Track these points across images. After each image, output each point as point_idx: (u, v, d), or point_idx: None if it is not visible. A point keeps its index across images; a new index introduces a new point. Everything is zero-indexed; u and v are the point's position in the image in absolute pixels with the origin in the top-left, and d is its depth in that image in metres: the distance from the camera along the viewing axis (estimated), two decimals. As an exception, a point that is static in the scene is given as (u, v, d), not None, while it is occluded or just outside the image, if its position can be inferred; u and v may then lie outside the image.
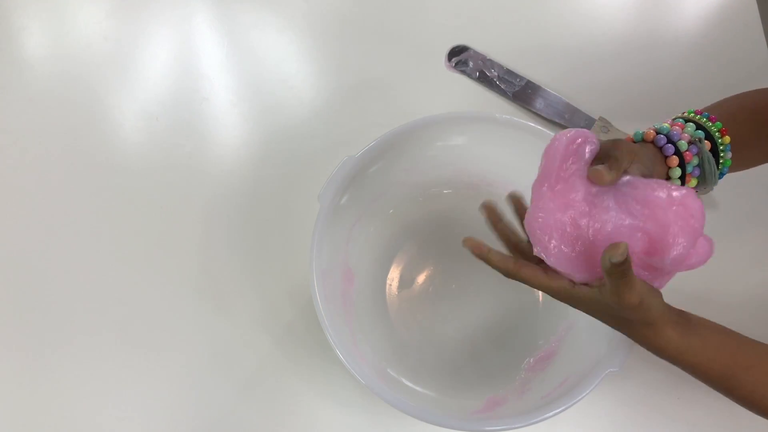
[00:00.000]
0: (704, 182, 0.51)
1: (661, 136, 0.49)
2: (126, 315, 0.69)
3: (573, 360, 0.61)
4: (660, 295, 0.46)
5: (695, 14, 0.86)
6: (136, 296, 0.70)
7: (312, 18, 0.85)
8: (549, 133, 0.59)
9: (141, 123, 0.78)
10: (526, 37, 0.84)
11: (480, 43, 0.82)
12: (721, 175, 0.53)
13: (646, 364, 0.65)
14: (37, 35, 0.83)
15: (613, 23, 0.85)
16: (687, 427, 0.65)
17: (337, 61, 0.82)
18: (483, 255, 0.47)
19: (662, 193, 0.44)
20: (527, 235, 0.47)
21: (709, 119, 0.52)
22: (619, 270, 0.41)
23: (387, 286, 0.69)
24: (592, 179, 0.45)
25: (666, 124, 0.51)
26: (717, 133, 0.51)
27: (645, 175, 0.47)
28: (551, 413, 0.53)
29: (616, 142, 0.46)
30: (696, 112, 0.53)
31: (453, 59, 0.82)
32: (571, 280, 0.46)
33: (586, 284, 0.46)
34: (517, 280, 0.47)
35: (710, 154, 0.50)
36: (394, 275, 0.70)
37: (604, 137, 0.75)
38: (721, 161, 0.52)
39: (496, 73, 0.81)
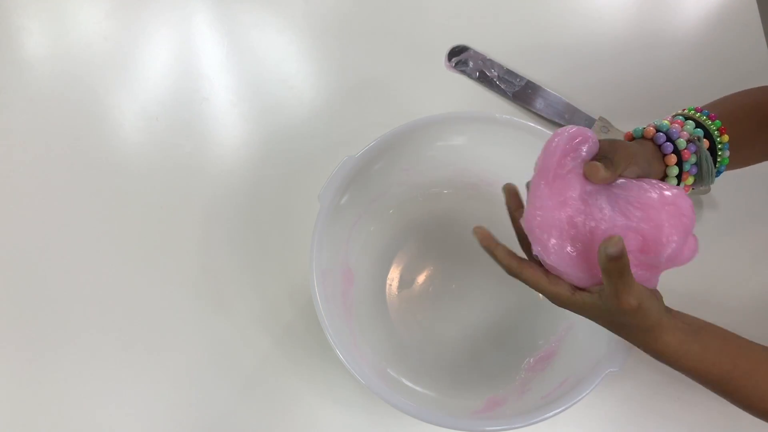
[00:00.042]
0: (701, 180, 0.51)
1: (661, 134, 0.49)
2: (126, 315, 0.69)
3: (573, 360, 0.61)
4: (659, 298, 0.46)
5: (695, 14, 0.86)
6: (136, 296, 0.70)
7: (312, 18, 0.85)
8: (549, 133, 0.59)
9: (141, 123, 0.78)
10: (526, 37, 0.84)
11: (480, 43, 0.82)
12: (718, 173, 0.53)
13: (645, 365, 0.65)
14: (36, 35, 0.83)
15: (613, 23, 0.85)
16: (687, 427, 0.65)
17: (337, 61, 0.82)
18: (490, 247, 0.47)
19: (654, 194, 0.45)
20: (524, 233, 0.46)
21: (708, 117, 0.52)
22: (616, 266, 0.41)
23: (387, 286, 0.69)
24: (588, 174, 0.44)
25: (666, 121, 0.51)
26: (716, 132, 0.51)
27: (641, 175, 0.47)
28: (551, 413, 0.53)
29: (614, 144, 0.46)
30: (696, 110, 0.53)
31: (453, 59, 0.82)
32: (571, 286, 0.46)
33: (585, 290, 0.46)
34: (518, 279, 0.47)
35: (708, 153, 0.50)
36: (394, 275, 0.70)
37: (604, 137, 0.74)
38: (718, 160, 0.52)
39: (496, 73, 0.81)
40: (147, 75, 0.80)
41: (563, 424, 0.58)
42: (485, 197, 0.69)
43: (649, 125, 0.51)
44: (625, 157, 0.46)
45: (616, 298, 0.42)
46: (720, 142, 0.51)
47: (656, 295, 0.46)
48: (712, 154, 0.51)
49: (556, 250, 0.45)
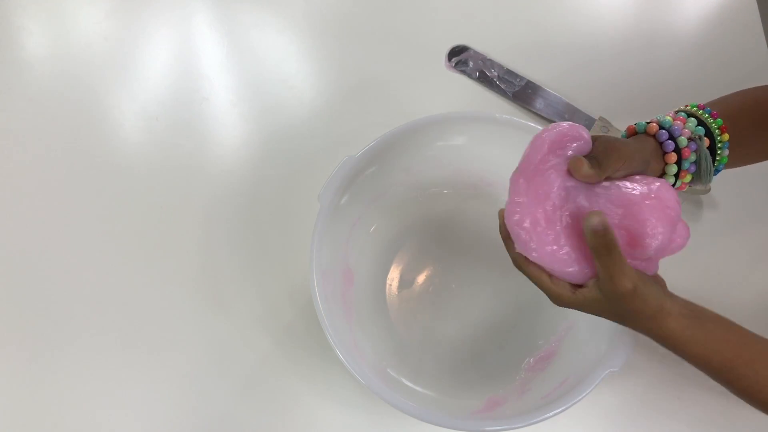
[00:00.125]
0: (699, 178, 0.51)
1: (663, 131, 0.49)
2: (126, 315, 0.69)
3: (573, 360, 0.61)
4: (660, 284, 0.47)
5: (695, 14, 0.86)
6: (136, 296, 0.70)
7: (312, 18, 0.85)
8: (549, 133, 0.59)
9: (141, 123, 0.78)
10: (526, 36, 0.84)
11: (480, 43, 0.82)
12: (716, 172, 0.53)
13: (646, 364, 0.66)
14: (36, 35, 0.83)
15: (613, 23, 0.85)
16: (687, 427, 0.65)
17: (337, 61, 0.82)
18: (504, 237, 0.48)
19: (636, 190, 0.45)
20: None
21: (710, 115, 0.52)
22: (603, 242, 0.41)
23: (387, 286, 0.69)
24: (572, 169, 0.44)
25: (668, 117, 0.51)
26: (717, 130, 0.51)
27: (633, 173, 0.47)
28: (551, 413, 0.53)
29: (609, 147, 0.46)
30: (699, 107, 0.53)
31: (453, 59, 0.82)
32: (571, 286, 0.46)
33: (582, 286, 0.46)
34: (523, 273, 0.48)
35: (708, 153, 0.50)
36: (394, 275, 0.70)
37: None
38: (717, 158, 0.52)
39: (496, 73, 0.81)
40: (147, 75, 0.80)
41: (563, 424, 0.58)
42: (485, 197, 0.69)
43: (651, 120, 0.51)
44: (615, 161, 0.45)
45: (611, 281, 0.43)
46: (720, 141, 0.51)
47: (657, 280, 0.47)
48: (711, 153, 0.51)
49: (536, 247, 0.45)
